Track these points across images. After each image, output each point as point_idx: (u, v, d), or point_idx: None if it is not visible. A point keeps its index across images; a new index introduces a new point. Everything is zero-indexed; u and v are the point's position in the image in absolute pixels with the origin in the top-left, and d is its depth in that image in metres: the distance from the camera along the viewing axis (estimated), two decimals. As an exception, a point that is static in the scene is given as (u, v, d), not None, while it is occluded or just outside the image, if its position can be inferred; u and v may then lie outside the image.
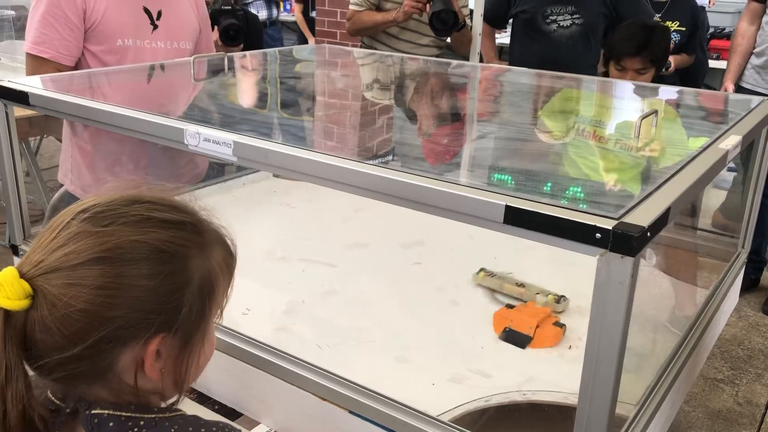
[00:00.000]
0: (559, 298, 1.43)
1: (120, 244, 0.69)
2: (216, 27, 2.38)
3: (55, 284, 0.67)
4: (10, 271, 0.68)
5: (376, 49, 2.93)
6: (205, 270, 0.74)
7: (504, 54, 3.52)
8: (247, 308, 1.39)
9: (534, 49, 2.95)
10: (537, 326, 1.30)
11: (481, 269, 1.55)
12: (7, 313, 0.67)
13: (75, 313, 0.67)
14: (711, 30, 4.49)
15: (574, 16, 2.88)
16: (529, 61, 2.84)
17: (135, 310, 0.69)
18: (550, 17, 2.90)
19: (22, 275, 0.68)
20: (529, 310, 1.36)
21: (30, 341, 0.68)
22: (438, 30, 2.67)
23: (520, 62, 2.93)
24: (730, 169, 3.16)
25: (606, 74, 2.62)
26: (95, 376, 0.71)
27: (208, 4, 2.41)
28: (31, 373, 0.70)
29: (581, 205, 0.84)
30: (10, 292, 0.66)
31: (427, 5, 2.66)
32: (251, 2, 5.13)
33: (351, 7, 2.90)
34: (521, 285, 1.48)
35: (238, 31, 2.38)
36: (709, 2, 4.40)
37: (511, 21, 3.12)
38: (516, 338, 1.29)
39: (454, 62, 2.39)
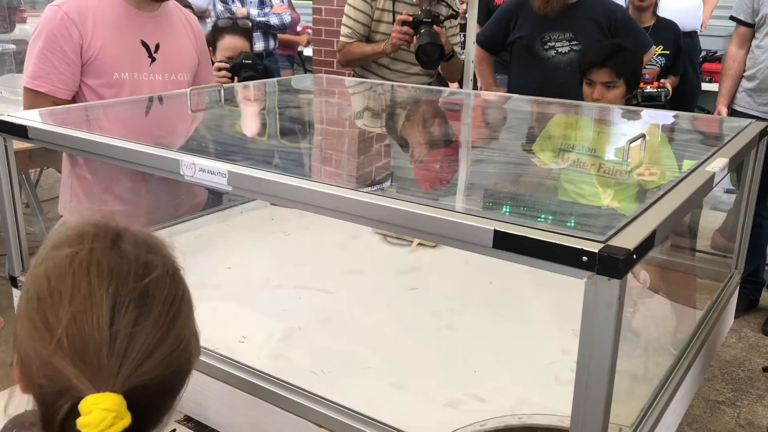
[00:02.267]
0: None
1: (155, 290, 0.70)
2: (236, 78, 2.47)
3: (146, 371, 0.65)
4: (112, 400, 0.61)
5: (367, 78, 2.97)
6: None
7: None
8: (243, 336, 1.39)
9: (532, 75, 2.99)
10: None
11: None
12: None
13: (170, 377, 0.69)
14: (703, 54, 4.55)
15: (572, 43, 2.92)
16: (528, 86, 2.87)
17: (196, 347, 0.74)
18: (548, 43, 2.94)
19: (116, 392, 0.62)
20: None
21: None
22: (424, 62, 2.71)
23: (519, 88, 2.96)
24: (729, 191, 3.19)
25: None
26: None
27: (230, 58, 2.50)
28: None
29: (568, 229, 0.85)
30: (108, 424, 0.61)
31: (414, 37, 2.70)
32: (249, 33, 5.19)
33: (341, 38, 2.95)
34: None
35: None
36: (701, 27, 4.46)
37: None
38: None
39: (447, 90, 2.42)
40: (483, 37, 3.10)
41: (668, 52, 3.41)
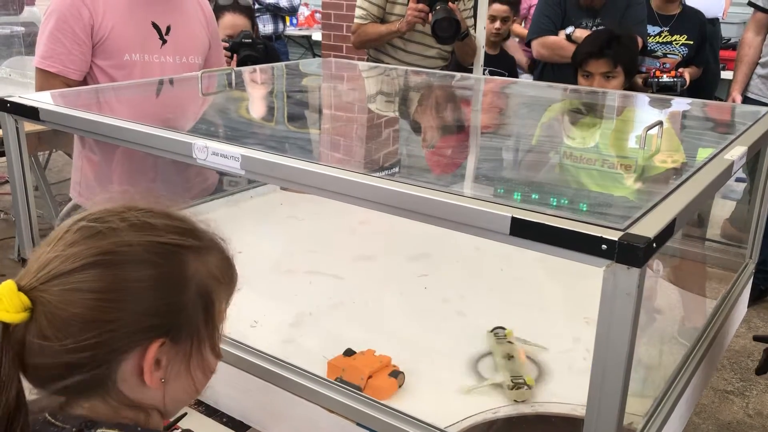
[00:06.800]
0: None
1: (114, 247, 0.69)
2: (235, 56, 2.45)
3: (53, 292, 0.67)
4: (9, 285, 0.68)
5: (382, 61, 2.95)
6: (202, 274, 0.74)
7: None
8: (254, 321, 1.39)
9: (562, 67, 2.97)
10: (369, 376, 1.17)
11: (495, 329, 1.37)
12: (6, 326, 0.66)
13: (72, 318, 0.67)
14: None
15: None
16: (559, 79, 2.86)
17: (132, 313, 0.69)
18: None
19: (20, 288, 0.68)
20: (365, 359, 1.22)
21: (29, 353, 0.68)
22: (440, 38, 2.69)
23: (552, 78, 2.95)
24: (739, 180, 3.15)
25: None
26: (94, 388, 0.70)
27: (231, 36, 2.47)
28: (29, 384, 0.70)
29: (587, 217, 0.84)
30: (9, 305, 0.66)
31: (430, 14, 2.69)
32: (257, 16, 5.17)
33: (355, 20, 2.93)
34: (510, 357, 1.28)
35: (255, 62, 2.44)
36: (723, 14, 4.37)
37: None
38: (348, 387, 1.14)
39: (458, 75, 2.40)
40: (542, 28, 3.02)
41: (692, 42, 3.34)
